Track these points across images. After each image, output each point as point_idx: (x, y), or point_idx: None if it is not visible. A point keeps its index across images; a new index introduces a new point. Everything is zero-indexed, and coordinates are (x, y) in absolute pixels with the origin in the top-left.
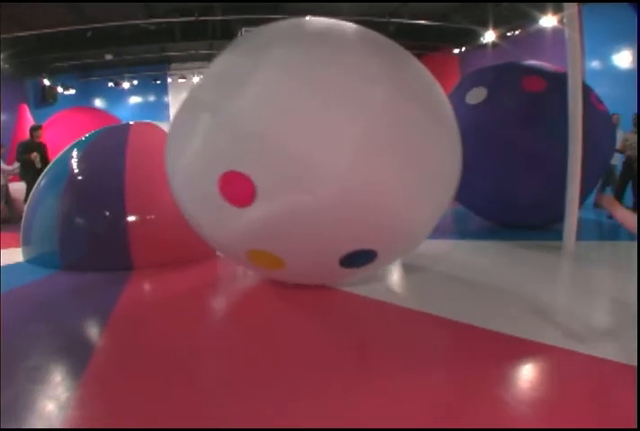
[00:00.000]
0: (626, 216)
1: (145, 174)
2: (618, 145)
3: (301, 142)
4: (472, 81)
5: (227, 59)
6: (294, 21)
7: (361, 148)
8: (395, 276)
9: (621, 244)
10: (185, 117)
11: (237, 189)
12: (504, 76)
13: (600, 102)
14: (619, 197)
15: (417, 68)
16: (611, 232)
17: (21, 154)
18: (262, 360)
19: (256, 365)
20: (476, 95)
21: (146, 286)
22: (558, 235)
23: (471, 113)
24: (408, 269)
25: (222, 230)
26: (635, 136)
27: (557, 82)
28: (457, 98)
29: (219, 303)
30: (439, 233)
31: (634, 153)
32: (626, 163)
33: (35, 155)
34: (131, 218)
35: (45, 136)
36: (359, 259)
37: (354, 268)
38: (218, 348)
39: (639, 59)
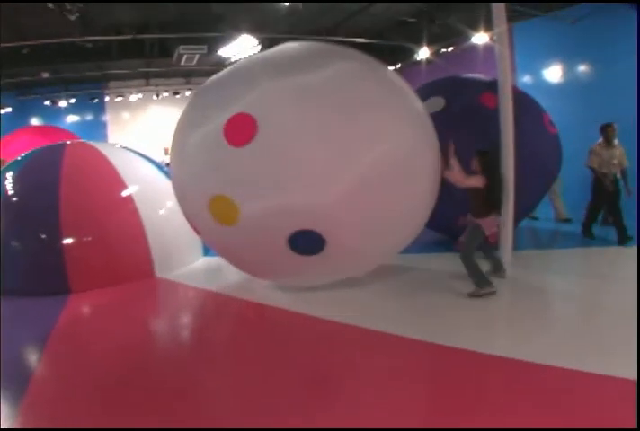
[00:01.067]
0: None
1: (80, 195)
2: (590, 160)
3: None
4: (429, 91)
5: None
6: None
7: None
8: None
9: (557, 252)
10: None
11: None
12: (463, 90)
13: (552, 125)
14: (594, 219)
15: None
16: (549, 240)
17: None
18: (206, 383)
19: (199, 390)
20: (434, 104)
21: (85, 310)
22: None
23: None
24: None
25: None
26: (615, 150)
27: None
28: None
29: (160, 326)
30: None
31: (610, 170)
32: (599, 182)
33: None
34: (67, 240)
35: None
36: (305, 242)
37: (304, 256)
38: (158, 373)
39: (639, 61)
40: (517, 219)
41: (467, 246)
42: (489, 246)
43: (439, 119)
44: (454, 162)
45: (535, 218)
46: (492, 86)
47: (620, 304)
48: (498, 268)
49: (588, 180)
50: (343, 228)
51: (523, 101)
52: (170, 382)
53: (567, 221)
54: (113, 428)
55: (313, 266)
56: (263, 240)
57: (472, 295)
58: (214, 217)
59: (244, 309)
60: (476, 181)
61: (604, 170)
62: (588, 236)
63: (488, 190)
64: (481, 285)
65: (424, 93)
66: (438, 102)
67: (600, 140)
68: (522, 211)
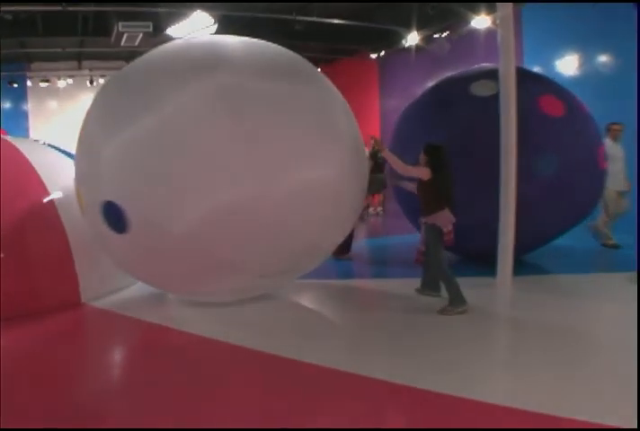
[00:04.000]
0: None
1: None
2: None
3: None
4: (482, 72)
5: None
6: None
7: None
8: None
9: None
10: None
11: None
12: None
13: (605, 159)
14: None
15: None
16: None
17: None
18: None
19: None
20: (485, 88)
21: None
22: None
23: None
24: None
25: None
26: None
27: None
28: (458, 86)
29: (81, 361)
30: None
31: None
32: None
33: None
34: None
35: None
36: (112, 214)
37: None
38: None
39: (639, 60)
40: (530, 247)
41: (435, 253)
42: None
43: (490, 104)
44: (387, 154)
45: (616, 247)
46: (554, 88)
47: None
48: (432, 286)
49: None
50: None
51: (586, 125)
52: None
53: (615, 247)
54: (113, 428)
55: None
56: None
57: (443, 312)
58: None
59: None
60: (420, 172)
61: None
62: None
63: (439, 185)
64: (454, 302)
65: (476, 74)
66: (489, 86)
67: (607, 139)
68: (538, 239)
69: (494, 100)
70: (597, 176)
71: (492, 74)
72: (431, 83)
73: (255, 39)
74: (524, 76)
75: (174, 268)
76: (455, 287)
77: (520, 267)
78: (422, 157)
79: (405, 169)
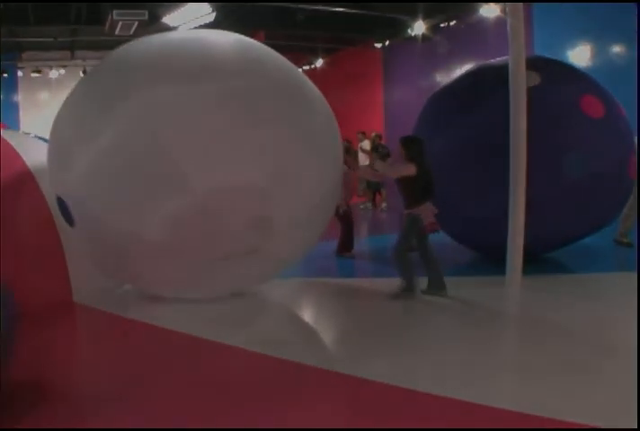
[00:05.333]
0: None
1: None
2: None
3: None
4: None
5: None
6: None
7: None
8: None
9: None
10: None
11: None
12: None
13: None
14: None
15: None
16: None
17: None
18: None
19: None
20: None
21: None
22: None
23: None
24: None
25: None
26: None
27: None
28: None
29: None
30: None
31: None
32: None
33: None
34: None
35: None
36: (63, 208)
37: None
38: None
39: (639, 60)
40: (551, 246)
41: (403, 240)
42: (431, 255)
43: (534, 95)
44: (378, 167)
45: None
46: (596, 88)
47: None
48: (438, 285)
49: None
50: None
51: (622, 131)
52: None
53: (628, 245)
54: (113, 428)
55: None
56: None
57: (392, 296)
58: None
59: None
60: (408, 170)
61: None
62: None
63: (421, 177)
64: (406, 287)
65: None
66: (533, 77)
67: None
68: (558, 240)
69: (537, 91)
70: (624, 186)
71: (535, 64)
72: (444, 71)
73: (233, 35)
74: (568, 72)
75: (121, 261)
76: (409, 273)
77: (541, 264)
78: (401, 151)
79: (396, 171)
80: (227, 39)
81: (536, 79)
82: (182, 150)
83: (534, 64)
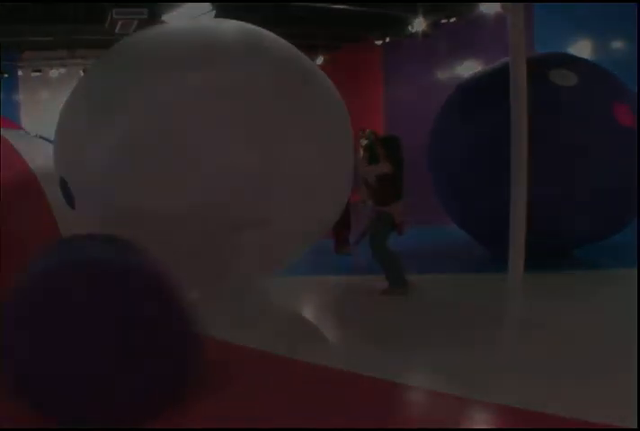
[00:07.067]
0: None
1: None
2: None
3: None
4: (559, 59)
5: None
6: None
7: None
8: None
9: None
10: None
11: None
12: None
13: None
14: None
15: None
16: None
17: None
18: None
19: None
20: (562, 77)
21: None
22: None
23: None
24: None
25: None
26: None
27: None
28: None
29: None
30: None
31: None
32: None
33: None
34: None
35: None
36: (65, 189)
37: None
38: None
39: (639, 59)
40: (572, 245)
41: (378, 236)
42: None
43: (571, 95)
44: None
45: None
46: (629, 94)
47: None
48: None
49: None
50: None
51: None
52: None
53: None
54: (113, 428)
55: None
56: None
57: (384, 294)
58: None
59: None
60: (385, 168)
61: None
62: None
63: (396, 177)
64: (395, 283)
65: (554, 60)
66: (568, 76)
67: None
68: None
69: (574, 91)
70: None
71: (569, 62)
72: (443, 68)
73: (245, 25)
74: (603, 77)
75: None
76: (396, 268)
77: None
78: (380, 150)
79: (374, 169)
80: (229, 26)
81: (573, 79)
82: (189, 135)
83: (572, 64)
